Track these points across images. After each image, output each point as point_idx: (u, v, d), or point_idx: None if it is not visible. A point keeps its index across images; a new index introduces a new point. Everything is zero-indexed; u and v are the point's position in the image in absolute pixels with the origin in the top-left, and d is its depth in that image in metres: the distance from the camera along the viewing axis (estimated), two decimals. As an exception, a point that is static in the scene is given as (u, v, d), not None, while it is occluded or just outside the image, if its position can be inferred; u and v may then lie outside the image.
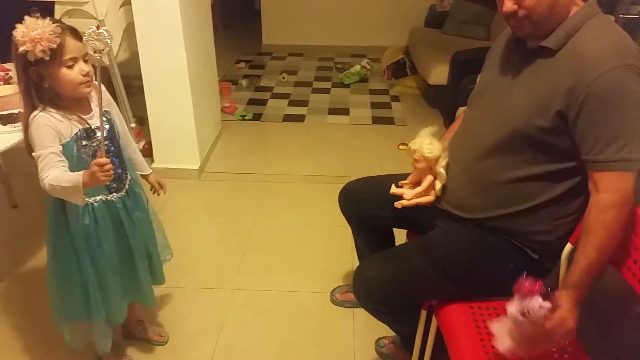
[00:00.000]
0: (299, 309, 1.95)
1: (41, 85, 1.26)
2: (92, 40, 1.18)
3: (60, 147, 1.30)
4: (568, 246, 1.31)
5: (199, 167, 2.89)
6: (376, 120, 3.68)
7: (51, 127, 1.27)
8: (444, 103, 3.55)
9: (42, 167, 1.27)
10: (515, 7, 1.16)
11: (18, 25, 1.20)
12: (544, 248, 1.29)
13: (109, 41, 1.19)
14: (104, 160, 1.25)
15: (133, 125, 2.97)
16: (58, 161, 1.28)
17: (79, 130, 1.33)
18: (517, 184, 1.26)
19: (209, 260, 2.23)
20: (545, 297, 1.00)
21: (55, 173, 1.27)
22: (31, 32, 1.18)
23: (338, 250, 2.25)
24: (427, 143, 1.35)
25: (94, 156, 1.36)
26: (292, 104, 3.98)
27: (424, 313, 1.43)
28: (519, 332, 1.05)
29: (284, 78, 4.48)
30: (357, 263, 1.82)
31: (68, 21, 2.64)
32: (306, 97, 4.12)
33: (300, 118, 3.72)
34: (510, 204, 1.26)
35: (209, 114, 3.11)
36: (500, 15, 1.22)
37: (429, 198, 1.39)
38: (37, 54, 1.20)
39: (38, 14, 1.87)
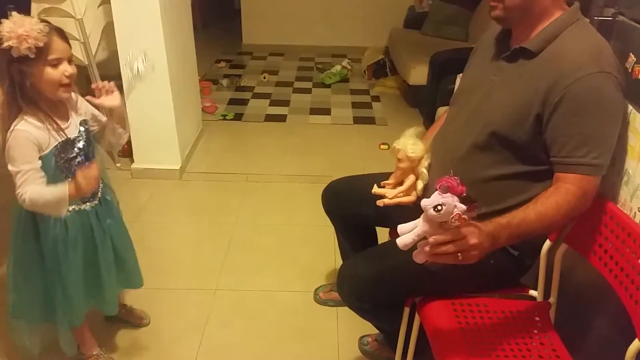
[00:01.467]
0: (283, 308, 1.96)
1: (23, 84, 1.24)
2: None
3: (40, 162, 1.28)
4: (547, 243, 1.34)
5: (180, 167, 2.87)
6: (357, 120, 3.70)
7: (32, 141, 1.26)
8: (423, 103, 3.59)
9: (20, 183, 1.26)
10: None
11: (4, 21, 1.19)
12: (523, 245, 1.31)
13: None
14: (92, 171, 1.25)
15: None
16: (38, 177, 1.28)
17: (58, 143, 1.32)
18: (497, 182, 1.28)
19: (191, 260, 2.22)
20: (464, 201, 0.96)
21: (37, 188, 1.27)
22: (18, 28, 1.17)
23: (321, 250, 2.26)
24: (411, 143, 1.37)
25: (68, 169, 1.35)
26: (273, 103, 3.98)
27: (407, 310, 1.45)
28: (424, 228, 1.00)
29: (264, 78, 4.47)
30: (340, 262, 1.84)
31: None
32: (287, 97, 4.12)
33: (281, 118, 3.72)
34: (491, 202, 1.29)
35: (189, 114, 3.09)
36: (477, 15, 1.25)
37: (411, 198, 1.41)
38: (22, 50, 1.18)
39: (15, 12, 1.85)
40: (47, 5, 2.57)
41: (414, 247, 1.04)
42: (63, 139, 1.33)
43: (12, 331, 1.53)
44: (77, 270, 1.45)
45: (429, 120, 3.34)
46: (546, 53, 1.20)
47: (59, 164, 1.33)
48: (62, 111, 1.36)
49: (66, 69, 1.26)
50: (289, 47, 5.31)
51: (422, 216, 1.01)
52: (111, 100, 1.41)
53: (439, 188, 0.96)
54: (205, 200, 2.70)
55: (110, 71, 3.05)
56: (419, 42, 4.13)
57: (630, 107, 1.25)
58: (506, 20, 1.24)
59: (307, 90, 4.29)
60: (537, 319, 1.35)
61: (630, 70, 1.26)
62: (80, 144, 1.38)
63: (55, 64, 1.25)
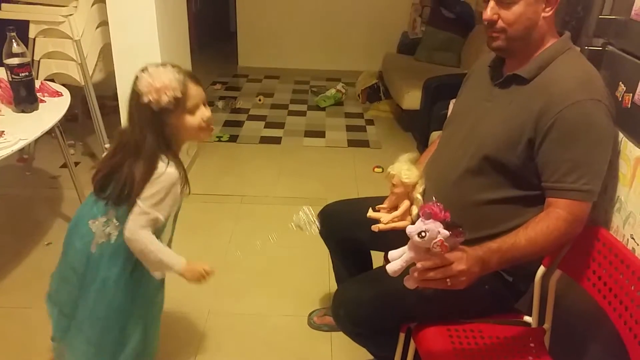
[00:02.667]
0: (276, 332, 1.94)
1: (163, 133, 1.24)
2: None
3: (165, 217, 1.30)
4: (541, 269, 1.35)
5: (174, 188, 2.86)
6: (351, 143, 3.73)
7: (176, 187, 1.27)
8: (417, 127, 3.63)
9: (139, 220, 1.25)
10: (496, 17, 1.21)
11: (141, 75, 1.19)
12: (518, 270, 1.33)
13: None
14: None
15: (107, 145, 2.93)
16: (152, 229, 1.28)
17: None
18: (489, 206, 1.30)
19: (184, 282, 2.19)
20: (448, 227, 0.98)
21: (148, 235, 1.27)
22: (156, 82, 1.17)
23: (315, 273, 2.24)
24: (406, 169, 1.38)
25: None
26: (268, 126, 4.00)
27: (402, 336, 1.44)
28: (411, 255, 1.02)
29: (260, 100, 4.50)
30: (334, 286, 1.83)
31: (43, 41, 2.63)
32: (282, 119, 4.15)
33: (276, 140, 3.74)
34: (485, 226, 1.29)
35: (184, 135, 3.09)
36: (484, 27, 1.26)
37: (405, 223, 1.41)
38: (162, 104, 1.18)
39: (14, 33, 1.86)
40: (45, 27, 2.59)
41: (405, 272, 1.05)
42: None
43: None
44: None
45: (422, 144, 3.38)
46: (538, 80, 1.23)
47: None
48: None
49: (204, 112, 1.26)
50: (284, 70, 5.37)
51: (408, 243, 1.03)
52: None
53: (422, 215, 0.99)
54: (199, 221, 2.69)
55: (106, 92, 3.07)
56: (412, 67, 4.19)
57: (620, 135, 1.27)
58: (507, 50, 1.26)
59: (302, 113, 4.32)
60: (531, 345, 1.35)
61: (620, 98, 1.29)
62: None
63: (193, 110, 1.25)
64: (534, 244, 1.14)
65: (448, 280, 1.02)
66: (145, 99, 1.18)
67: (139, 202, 1.24)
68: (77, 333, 1.40)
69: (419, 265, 1.01)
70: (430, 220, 0.97)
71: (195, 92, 1.25)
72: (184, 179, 1.31)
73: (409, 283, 1.05)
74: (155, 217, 1.26)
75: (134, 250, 1.29)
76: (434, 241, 0.97)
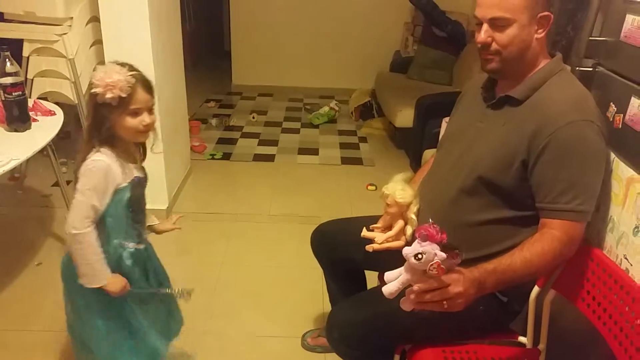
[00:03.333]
0: (269, 353, 1.91)
1: (102, 126, 1.28)
2: None
3: (104, 206, 1.31)
4: (535, 289, 1.35)
5: (167, 206, 2.84)
6: (345, 161, 3.74)
7: (106, 171, 1.29)
8: (410, 145, 3.65)
9: (77, 211, 1.28)
10: (490, 39, 1.22)
11: (98, 67, 1.26)
12: (512, 291, 1.32)
13: None
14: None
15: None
16: (93, 219, 1.30)
17: (135, 177, 1.36)
18: (484, 226, 1.30)
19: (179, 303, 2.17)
20: (445, 249, 0.98)
21: (94, 242, 1.29)
22: (107, 78, 1.22)
23: (309, 293, 2.23)
24: (400, 189, 1.38)
25: (134, 209, 1.39)
26: (262, 143, 4.01)
27: (397, 358, 1.43)
28: (407, 277, 1.02)
29: (253, 118, 4.51)
30: (328, 306, 1.81)
31: (37, 59, 2.64)
32: (276, 136, 4.16)
33: (270, 158, 3.74)
34: (479, 246, 1.30)
35: (178, 153, 3.09)
36: (476, 46, 1.27)
37: (400, 243, 1.41)
38: (105, 99, 1.23)
39: (8, 52, 1.86)
40: (39, 45, 2.60)
41: (402, 294, 1.05)
42: (137, 175, 1.37)
43: None
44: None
45: (415, 162, 3.39)
46: (531, 101, 1.24)
47: (132, 200, 1.36)
48: (133, 151, 1.40)
49: (144, 119, 1.30)
50: (277, 88, 5.39)
51: (405, 264, 1.03)
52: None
53: (419, 237, 0.99)
54: (192, 240, 2.67)
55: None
56: (404, 85, 4.22)
57: (612, 155, 1.28)
58: (501, 71, 1.27)
59: (296, 131, 4.33)
60: (527, 366, 1.34)
61: (611, 119, 1.30)
62: (146, 185, 1.43)
63: (135, 113, 1.29)
64: (530, 265, 1.14)
65: (445, 302, 1.02)
66: (93, 90, 1.25)
67: (75, 194, 1.29)
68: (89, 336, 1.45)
69: (415, 287, 1.01)
70: (427, 242, 0.97)
71: (142, 98, 1.30)
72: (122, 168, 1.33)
73: (406, 305, 1.05)
74: (91, 204, 1.28)
75: (73, 245, 1.29)
76: (431, 263, 0.97)
